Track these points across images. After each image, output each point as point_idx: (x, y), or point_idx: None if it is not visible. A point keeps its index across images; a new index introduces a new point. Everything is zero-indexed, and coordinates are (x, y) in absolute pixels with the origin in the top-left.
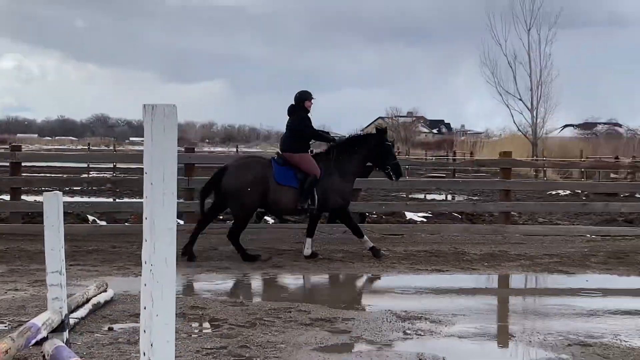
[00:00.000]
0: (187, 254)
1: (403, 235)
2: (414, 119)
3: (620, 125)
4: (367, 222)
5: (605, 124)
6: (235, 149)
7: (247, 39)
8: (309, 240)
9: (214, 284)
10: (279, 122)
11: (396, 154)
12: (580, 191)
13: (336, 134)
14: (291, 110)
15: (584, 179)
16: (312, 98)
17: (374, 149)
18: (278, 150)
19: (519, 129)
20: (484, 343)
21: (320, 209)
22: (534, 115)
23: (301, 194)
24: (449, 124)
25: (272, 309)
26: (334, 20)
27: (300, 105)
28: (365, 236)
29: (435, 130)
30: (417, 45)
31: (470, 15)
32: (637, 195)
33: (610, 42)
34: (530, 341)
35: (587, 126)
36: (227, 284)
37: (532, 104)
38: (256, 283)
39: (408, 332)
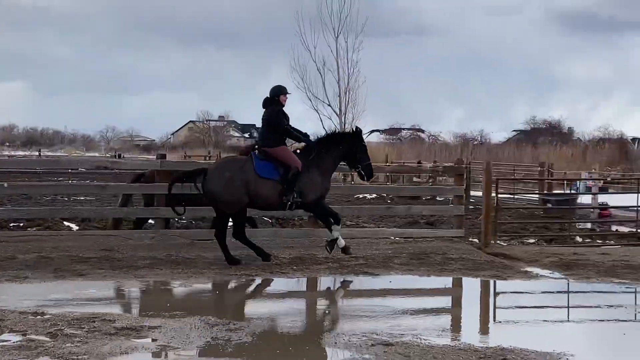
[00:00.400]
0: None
1: (212, 240)
2: (225, 123)
3: (422, 131)
4: (177, 227)
5: (409, 129)
6: (38, 153)
7: (51, 39)
8: (336, 227)
9: (12, 294)
10: (85, 125)
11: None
12: (385, 194)
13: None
14: (266, 104)
15: (389, 183)
16: (288, 93)
17: (352, 148)
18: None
19: None
20: (292, 345)
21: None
22: (342, 120)
23: (284, 187)
24: (259, 128)
25: (74, 318)
26: (144, 22)
27: (275, 99)
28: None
29: (247, 135)
30: (229, 49)
31: (281, 21)
32: (438, 198)
33: (414, 51)
34: (335, 342)
35: (392, 131)
36: (27, 293)
37: (340, 110)
38: (59, 292)
39: (217, 338)
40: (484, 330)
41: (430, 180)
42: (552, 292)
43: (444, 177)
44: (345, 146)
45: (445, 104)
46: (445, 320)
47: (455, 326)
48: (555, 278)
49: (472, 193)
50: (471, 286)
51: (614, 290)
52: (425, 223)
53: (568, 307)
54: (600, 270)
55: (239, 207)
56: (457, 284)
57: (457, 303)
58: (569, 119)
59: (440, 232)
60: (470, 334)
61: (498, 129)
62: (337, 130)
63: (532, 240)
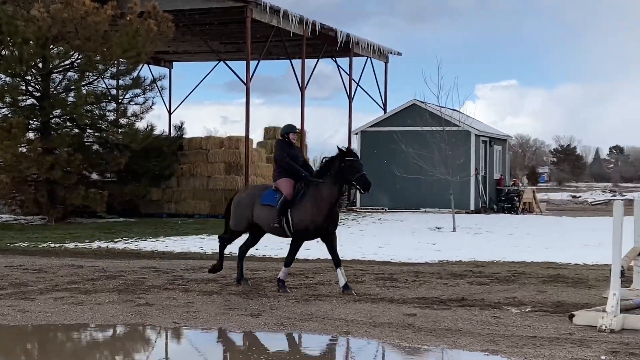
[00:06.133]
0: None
1: None
2: None
3: None
4: None
5: None
6: None
7: None
8: (283, 268)
9: None
10: None
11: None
12: None
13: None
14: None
15: None
16: (297, 131)
17: (338, 168)
18: None
19: None
20: None
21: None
22: None
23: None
24: None
25: None
26: None
27: (284, 136)
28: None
29: None
30: None
31: None
32: None
33: None
34: None
35: None
36: None
37: None
38: None
39: None
40: None
41: None
42: None
43: None
44: (335, 168)
45: None
46: None
47: None
48: None
49: None
50: None
51: None
52: None
53: None
54: None
55: (238, 224)
56: None
57: None
58: None
59: None
60: None
61: None
62: (327, 158)
63: None
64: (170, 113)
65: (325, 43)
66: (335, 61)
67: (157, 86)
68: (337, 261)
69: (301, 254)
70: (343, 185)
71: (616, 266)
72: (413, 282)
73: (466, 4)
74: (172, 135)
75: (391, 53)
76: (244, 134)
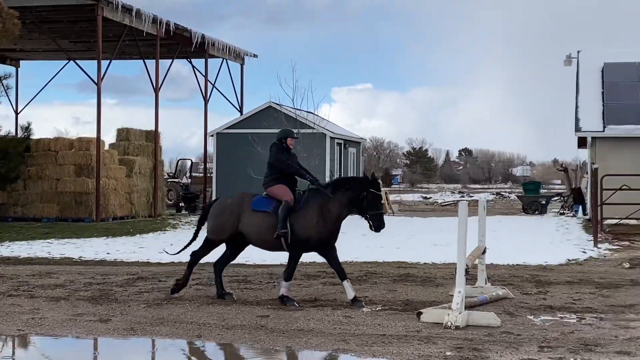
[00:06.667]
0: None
1: None
2: None
3: None
4: None
5: None
6: None
7: None
8: (283, 282)
9: None
10: None
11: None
12: None
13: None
14: (271, 147)
15: None
16: (295, 137)
17: (360, 194)
18: None
19: None
20: None
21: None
22: None
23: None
24: None
25: None
26: None
27: (281, 140)
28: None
29: None
30: None
31: None
32: None
33: None
34: None
35: None
36: None
37: None
38: None
39: None
40: None
41: None
42: None
43: None
44: (353, 191)
45: None
46: None
47: None
48: None
49: None
50: None
51: None
52: None
53: None
54: None
55: (216, 233)
56: None
57: None
58: None
59: None
60: None
61: None
62: (349, 177)
63: None
64: (17, 113)
65: (180, 43)
66: (191, 62)
67: (2, 85)
68: (341, 274)
69: (155, 257)
70: (352, 209)
71: (461, 265)
72: (267, 283)
73: (321, 7)
74: (18, 136)
75: (247, 55)
76: (96, 135)
